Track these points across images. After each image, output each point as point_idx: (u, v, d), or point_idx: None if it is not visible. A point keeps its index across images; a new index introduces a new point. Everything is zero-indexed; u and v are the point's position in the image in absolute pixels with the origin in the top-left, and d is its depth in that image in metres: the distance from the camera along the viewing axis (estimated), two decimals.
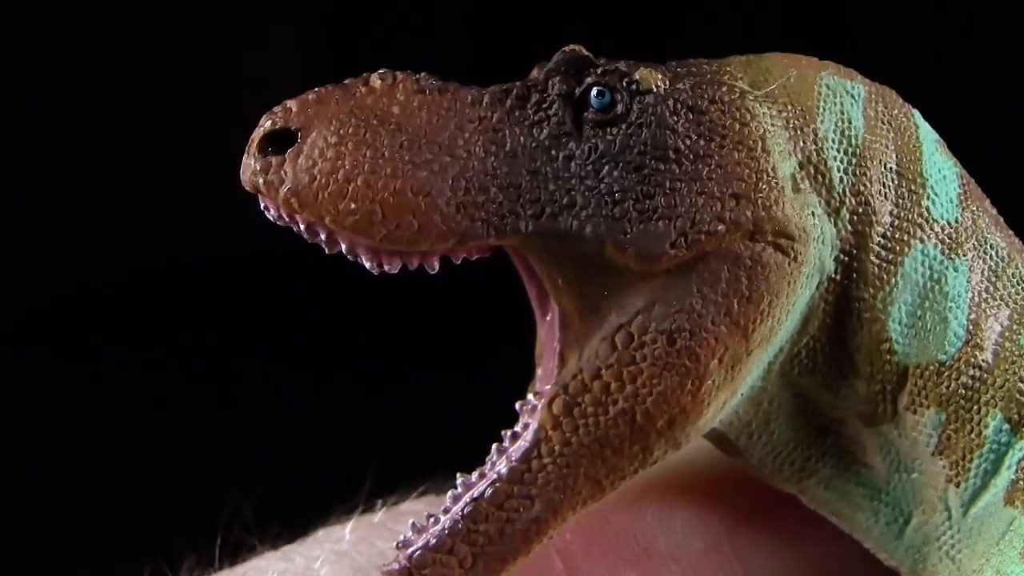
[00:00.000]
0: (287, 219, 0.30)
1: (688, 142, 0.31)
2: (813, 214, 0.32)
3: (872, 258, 0.32)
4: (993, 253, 0.34)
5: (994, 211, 0.34)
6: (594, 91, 0.31)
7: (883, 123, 0.33)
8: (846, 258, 0.32)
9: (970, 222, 0.33)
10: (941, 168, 0.34)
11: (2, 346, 0.96)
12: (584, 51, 0.32)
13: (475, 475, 0.31)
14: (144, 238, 0.96)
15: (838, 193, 0.32)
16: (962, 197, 0.34)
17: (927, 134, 0.34)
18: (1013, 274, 0.34)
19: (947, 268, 0.33)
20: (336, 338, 0.94)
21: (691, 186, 0.31)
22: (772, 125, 0.32)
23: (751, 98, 0.32)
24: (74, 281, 0.97)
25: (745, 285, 0.31)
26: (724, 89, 0.32)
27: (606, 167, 0.31)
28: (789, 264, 0.31)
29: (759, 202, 0.31)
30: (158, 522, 0.82)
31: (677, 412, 0.31)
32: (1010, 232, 0.34)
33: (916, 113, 0.34)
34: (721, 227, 0.31)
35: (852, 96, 0.33)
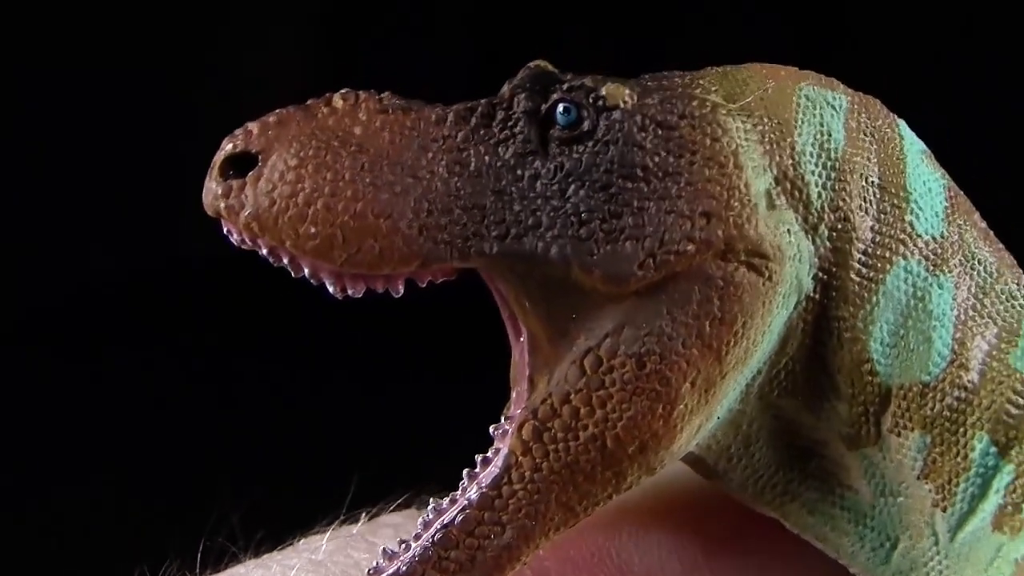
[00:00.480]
0: (250, 243, 0.30)
1: (657, 159, 0.30)
2: (789, 231, 0.31)
3: (852, 276, 0.31)
4: (981, 269, 0.32)
5: (983, 224, 0.33)
6: (560, 108, 0.30)
7: (865, 135, 0.32)
8: (825, 276, 0.31)
9: (956, 236, 0.32)
10: (927, 180, 0.32)
11: (2, 346, 0.96)
12: (550, 67, 0.31)
13: (446, 501, 0.30)
14: (144, 238, 0.96)
15: (816, 209, 0.31)
16: (948, 211, 0.32)
17: (912, 145, 0.33)
18: (1002, 290, 0.32)
19: (931, 285, 0.32)
20: (335, 340, 0.94)
21: (660, 204, 0.30)
22: (746, 140, 0.31)
23: (723, 112, 0.31)
24: (73, 281, 0.97)
25: (717, 306, 0.30)
26: (695, 103, 0.31)
27: (572, 186, 0.30)
28: (763, 284, 0.30)
29: (731, 220, 0.30)
30: (157, 522, 0.82)
31: (648, 437, 0.30)
32: (1000, 246, 0.33)
33: (902, 123, 0.33)
34: (691, 247, 0.30)
35: (833, 107, 0.32)
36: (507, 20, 0.91)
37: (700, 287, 0.30)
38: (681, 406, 0.30)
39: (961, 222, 0.32)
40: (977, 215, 0.33)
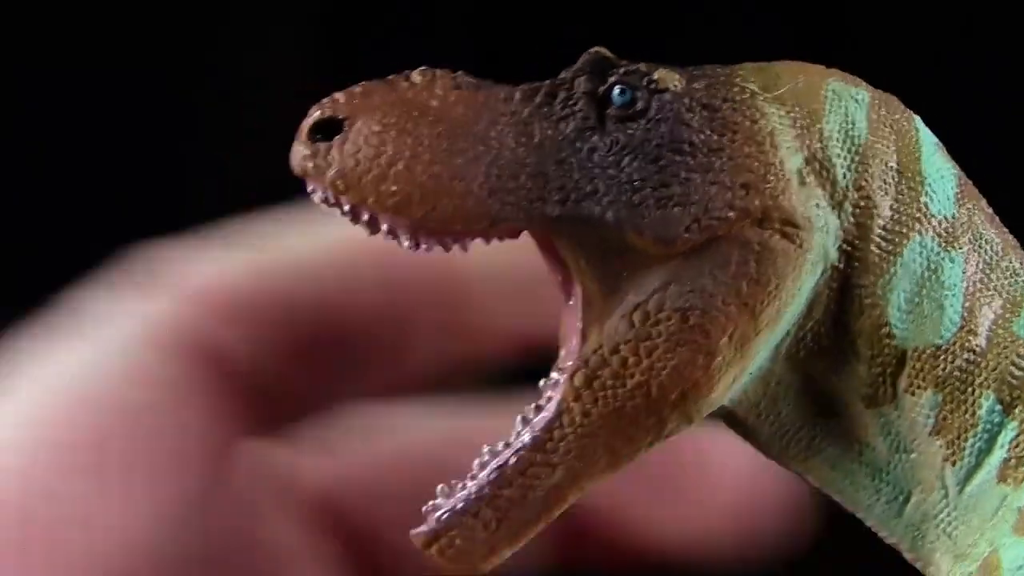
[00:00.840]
0: (333, 201, 0.32)
1: (702, 136, 0.33)
2: (817, 206, 0.34)
3: (873, 248, 0.34)
4: (988, 247, 0.35)
5: (990, 210, 0.36)
6: (616, 89, 0.34)
7: (885, 126, 0.35)
8: (848, 248, 0.34)
9: (966, 218, 0.35)
10: (939, 168, 0.36)
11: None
12: (608, 53, 0.34)
13: (501, 444, 0.33)
14: (142, 239, 0.95)
15: (841, 188, 0.34)
16: (959, 195, 0.35)
17: (927, 137, 0.36)
18: (1006, 267, 0.36)
19: (943, 259, 0.35)
20: None
21: (704, 176, 0.33)
22: (780, 123, 0.34)
23: (761, 99, 0.34)
24: (72, 281, 0.96)
25: (754, 268, 0.33)
26: (736, 89, 0.34)
27: (626, 158, 0.33)
28: (795, 250, 0.33)
29: (767, 192, 0.33)
30: None
31: (690, 386, 0.33)
32: (1004, 229, 0.36)
33: (917, 118, 0.36)
34: (732, 214, 0.33)
35: (856, 101, 0.35)
36: (507, 21, 0.91)
37: (739, 250, 0.33)
38: (719, 358, 0.33)
39: (971, 206, 0.36)
40: (984, 202, 0.36)
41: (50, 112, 0.94)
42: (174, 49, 0.96)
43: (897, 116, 0.36)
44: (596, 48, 0.34)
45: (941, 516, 0.35)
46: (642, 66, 0.34)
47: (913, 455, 0.35)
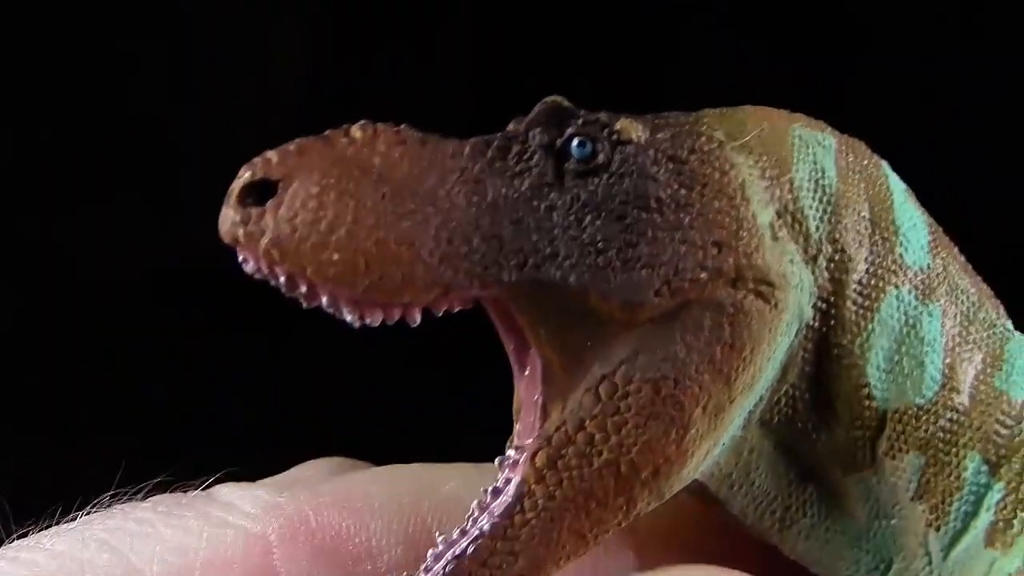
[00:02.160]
0: (266, 271, 0.30)
1: (669, 191, 0.31)
2: (791, 261, 0.32)
3: (849, 304, 0.33)
4: (964, 298, 0.34)
5: (962, 258, 0.35)
6: (575, 141, 0.31)
7: (855, 173, 0.34)
8: (824, 305, 0.33)
9: (941, 268, 0.34)
10: (911, 217, 0.34)
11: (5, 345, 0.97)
12: (565, 102, 0.32)
13: (456, 532, 0.30)
14: (142, 238, 0.96)
15: (815, 241, 0.33)
16: (932, 244, 0.34)
17: (896, 184, 0.34)
18: (984, 318, 0.34)
19: (922, 313, 0.33)
20: (332, 345, 0.93)
21: (673, 235, 0.31)
22: (750, 174, 0.32)
23: (729, 148, 0.32)
24: (71, 282, 0.97)
25: (728, 332, 0.31)
26: (703, 139, 0.32)
27: (588, 216, 0.31)
28: (770, 311, 0.31)
29: (740, 250, 0.31)
30: None
31: (662, 462, 0.31)
32: (978, 278, 0.35)
33: (885, 164, 0.35)
34: (704, 275, 0.31)
35: (823, 147, 0.33)
36: (507, 22, 0.91)
37: (712, 314, 0.31)
38: (693, 430, 0.31)
39: (944, 255, 0.34)
40: (956, 249, 0.35)
41: (49, 112, 0.95)
42: (174, 49, 0.97)
43: (866, 162, 0.34)
44: (551, 97, 0.32)
45: None
46: (602, 116, 0.32)
47: (895, 521, 0.33)
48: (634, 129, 0.32)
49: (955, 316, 0.34)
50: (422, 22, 0.91)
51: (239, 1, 0.95)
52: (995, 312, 0.35)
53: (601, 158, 0.31)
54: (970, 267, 0.35)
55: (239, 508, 0.34)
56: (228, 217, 0.30)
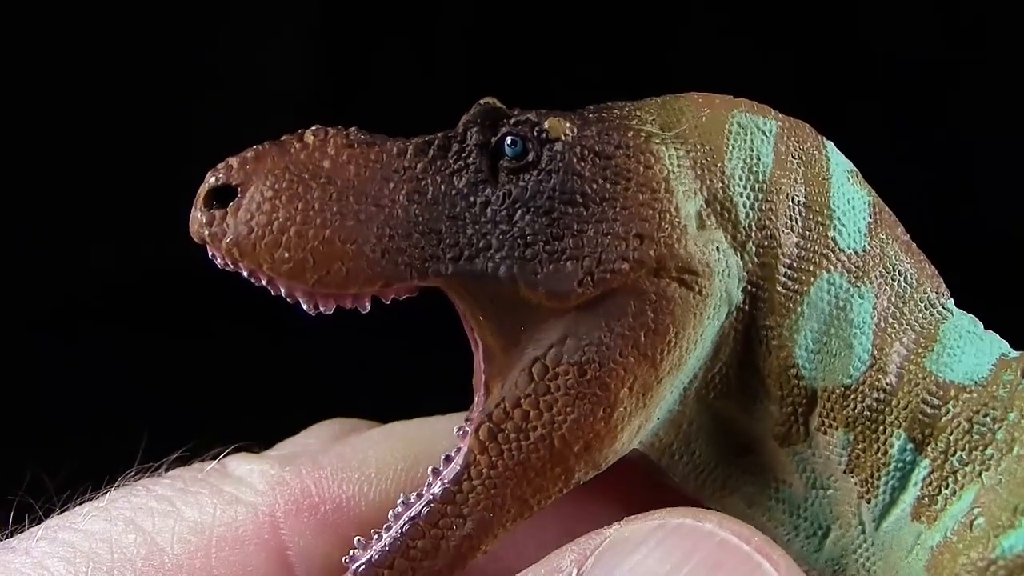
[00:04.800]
0: (232, 267, 0.33)
1: (595, 186, 0.33)
2: (718, 249, 0.34)
3: (779, 288, 0.34)
4: (901, 279, 0.35)
5: (906, 237, 0.36)
6: (507, 140, 0.33)
7: (793, 157, 0.35)
8: (753, 289, 0.34)
9: (878, 250, 0.35)
10: (851, 199, 0.35)
11: (8, 347, 0.96)
12: (498, 104, 0.34)
13: (413, 495, 0.33)
14: (142, 239, 0.95)
15: (744, 228, 0.34)
16: (872, 225, 0.35)
17: (838, 166, 0.35)
18: (920, 299, 0.35)
19: (852, 296, 0.34)
20: (331, 348, 0.94)
21: (597, 227, 0.33)
22: (678, 166, 0.34)
23: (657, 141, 0.34)
24: (70, 282, 0.96)
25: (651, 318, 0.33)
26: (631, 134, 0.34)
27: (519, 212, 0.33)
28: (694, 297, 0.33)
29: (662, 241, 0.33)
30: None
31: (592, 437, 0.33)
32: (922, 258, 0.36)
33: (830, 145, 0.36)
34: (625, 265, 0.33)
35: (763, 132, 0.35)
36: (507, 23, 0.91)
37: (635, 301, 0.33)
38: (620, 409, 0.33)
39: (884, 236, 0.35)
40: (901, 229, 0.36)
41: (49, 112, 0.94)
42: (174, 49, 0.96)
43: (807, 146, 0.35)
44: (487, 99, 0.34)
45: (859, 551, 0.35)
46: (532, 115, 0.34)
47: (830, 491, 0.35)
48: (561, 127, 0.33)
49: (889, 298, 0.35)
50: (418, 25, 0.92)
51: (240, 9, 0.95)
52: (934, 292, 0.35)
53: (531, 156, 0.33)
54: (913, 247, 0.36)
55: (249, 484, 0.37)
56: (195, 219, 0.33)
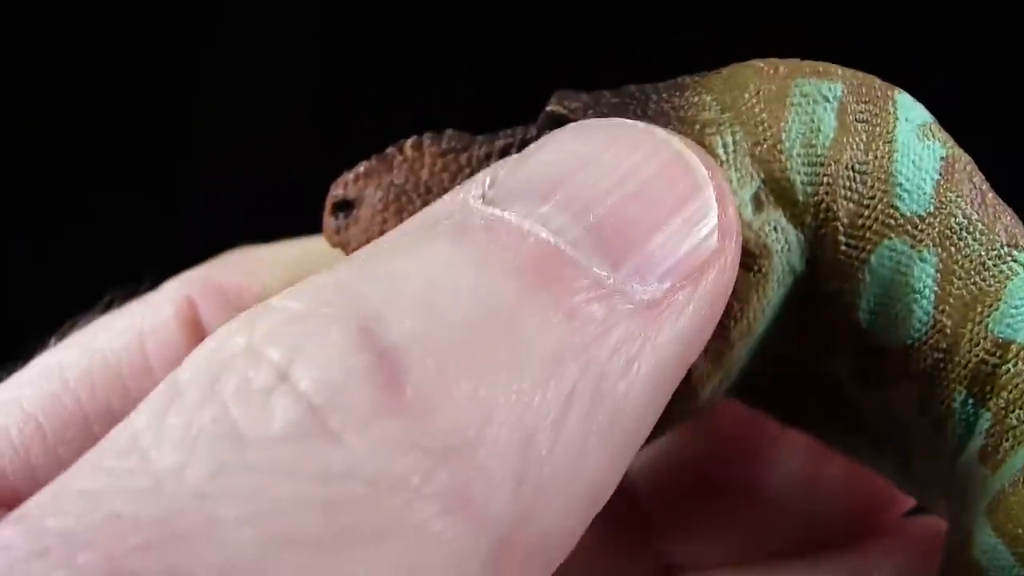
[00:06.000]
0: None
1: None
2: (776, 228, 0.34)
3: (840, 257, 0.34)
4: (969, 238, 0.34)
5: (982, 187, 0.35)
6: None
7: (857, 122, 0.34)
8: (815, 257, 0.35)
9: (945, 210, 0.34)
10: (918, 159, 0.34)
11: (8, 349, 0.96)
12: (561, 109, 0.34)
13: None
14: (142, 240, 0.96)
15: (802, 204, 0.34)
16: (939, 184, 0.34)
17: (907, 122, 0.34)
18: (987, 258, 0.34)
19: (914, 260, 0.34)
20: None
21: None
22: (734, 152, 0.34)
23: (712, 130, 0.34)
24: (70, 283, 0.96)
25: None
26: (684, 128, 0.34)
27: None
28: (754, 275, 0.34)
29: None
30: None
31: (675, 397, 0.33)
32: (997, 209, 0.34)
33: (900, 99, 0.35)
34: None
35: (827, 99, 0.34)
36: (506, 25, 0.92)
37: None
38: (698, 373, 0.34)
39: (952, 195, 0.34)
40: (976, 180, 0.35)
41: (48, 113, 0.95)
42: (173, 50, 0.97)
43: (872, 106, 0.34)
44: (552, 106, 0.34)
45: (942, 483, 0.36)
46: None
47: (909, 428, 0.35)
48: None
49: (953, 258, 0.34)
50: (418, 25, 0.92)
51: (240, 9, 0.96)
52: (1005, 247, 0.34)
53: None
54: (988, 196, 0.34)
55: (167, 287, 0.41)
56: (328, 226, 0.36)
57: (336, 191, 0.36)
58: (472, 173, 0.34)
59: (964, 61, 0.90)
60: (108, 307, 0.42)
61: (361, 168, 0.36)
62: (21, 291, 0.93)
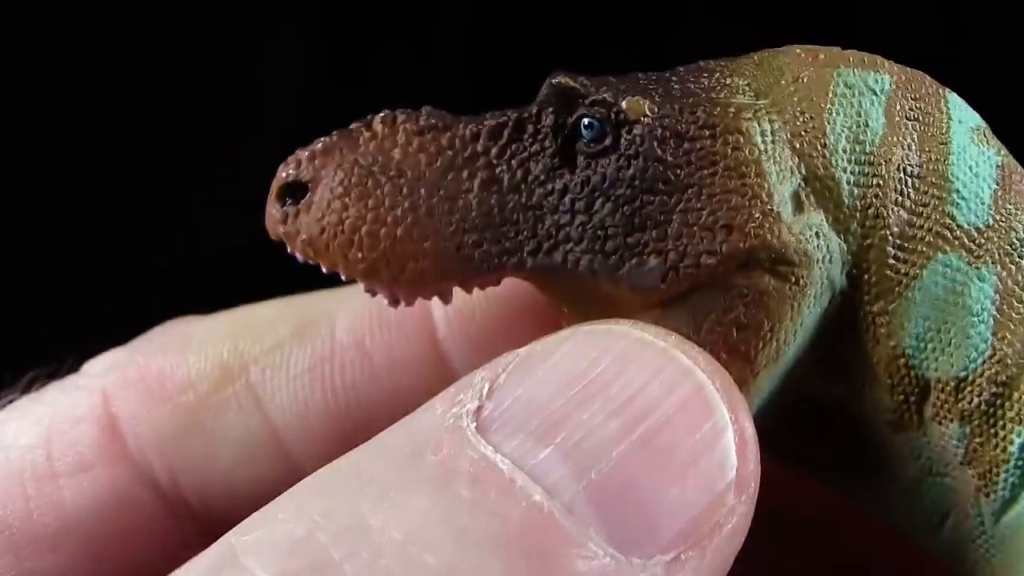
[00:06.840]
0: (311, 263, 0.32)
1: (678, 172, 0.30)
2: (818, 234, 0.31)
3: (887, 272, 0.31)
4: None
5: None
6: (584, 122, 0.31)
7: (908, 120, 0.31)
8: (858, 272, 0.31)
9: (1004, 223, 0.31)
10: (975, 164, 0.31)
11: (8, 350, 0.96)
12: (571, 82, 0.31)
13: None
14: (141, 242, 0.96)
15: (847, 207, 0.31)
16: (997, 194, 0.31)
17: (961, 123, 0.31)
18: None
19: (971, 278, 0.31)
20: None
21: (682, 218, 0.30)
22: (773, 142, 0.31)
23: (748, 115, 0.31)
24: (70, 283, 0.96)
25: (742, 313, 0.30)
26: (717, 111, 0.31)
27: (598, 200, 0.31)
28: (790, 288, 0.30)
29: (752, 231, 0.30)
30: None
31: None
32: None
33: (952, 99, 0.32)
34: (713, 260, 0.30)
35: (874, 92, 0.31)
36: (506, 26, 0.91)
37: (725, 296, 0.30)
38: None
39: (1011, 207, 0.31)
40: None
41: (49, 113, 0.94)
42: (173, 50, 0.96)
43: (923, 104, 0.31)
44: (559, 78, 0.32)
45: (979, 542, 0.32)
46: (608, 95, 0.31)
47: (947, 479, 0.32)
48: (640, 108, 0.31)
49: (1014, 278, 0.31)
50: (418, 25, 0.92)
51: (240, 9, 0.95)
52: None
53: (609, 140, 0.31)
54: None
55: (86, 371, 0.38)
56: (271, 215, 0.32)
57: (286, 171, 0.32)
58: (456, 156, 0.31)
59: (964, 61, 0.90)
60: (28, 388, 0.39)
61: (318, 146, 0.31)
62: (21, 291, 0.93)
